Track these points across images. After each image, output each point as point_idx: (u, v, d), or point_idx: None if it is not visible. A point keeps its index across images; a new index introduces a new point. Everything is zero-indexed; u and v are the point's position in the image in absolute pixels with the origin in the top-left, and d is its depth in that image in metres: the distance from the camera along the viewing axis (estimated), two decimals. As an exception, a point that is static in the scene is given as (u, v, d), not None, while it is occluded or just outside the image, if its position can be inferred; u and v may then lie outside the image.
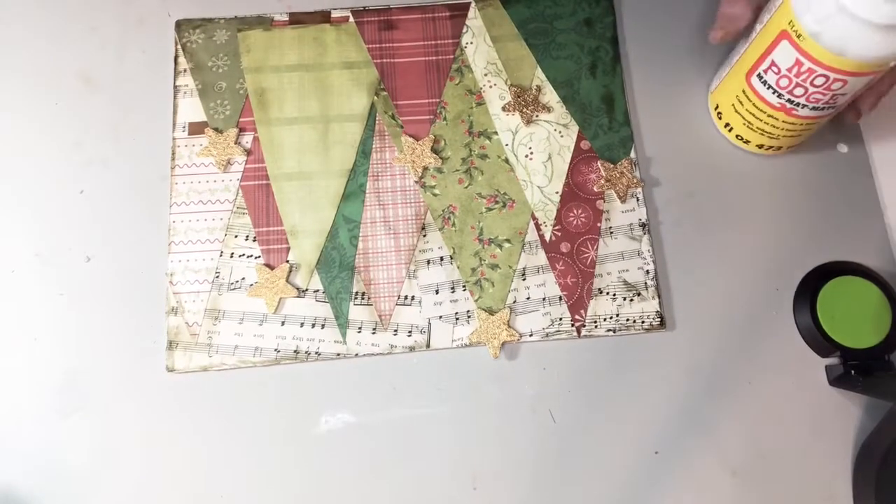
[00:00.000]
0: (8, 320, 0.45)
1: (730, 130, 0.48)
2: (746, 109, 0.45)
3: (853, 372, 0.43)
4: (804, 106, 0.42)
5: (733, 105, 0.46)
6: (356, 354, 0.44)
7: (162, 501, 0.42)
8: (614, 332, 0.45)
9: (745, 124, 0.46)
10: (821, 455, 0.43)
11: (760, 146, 0.47)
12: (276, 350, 0.44)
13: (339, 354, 0.44)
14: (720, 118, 0.48)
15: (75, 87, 0.50)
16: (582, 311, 0.45)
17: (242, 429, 0.43)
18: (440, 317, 0.45)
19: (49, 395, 0.44)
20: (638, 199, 0.47)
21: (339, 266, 0.46)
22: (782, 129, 0.44)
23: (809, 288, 0.45)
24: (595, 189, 0.47)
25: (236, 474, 0.42)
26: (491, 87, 0.49)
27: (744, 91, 0.44)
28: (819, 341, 0.44)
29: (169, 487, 0.42)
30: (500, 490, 0.42)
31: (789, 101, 0.42)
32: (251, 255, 0.46)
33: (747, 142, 0.47)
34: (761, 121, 0.45)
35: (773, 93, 0.42)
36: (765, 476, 0.42)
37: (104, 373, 0.44)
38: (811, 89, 0.40)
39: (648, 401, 0.44)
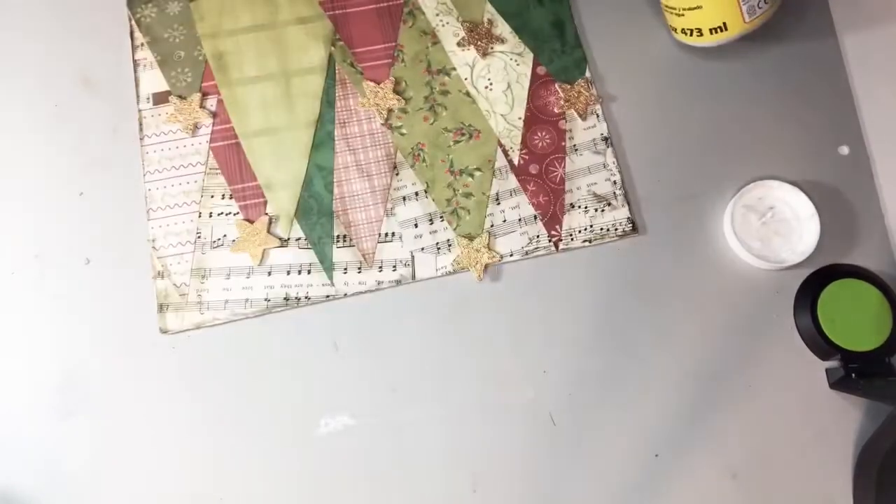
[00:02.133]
0: (8, 321, 0.45)
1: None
2: None
3: (854, 375, 0.43)
4: None
5: None
6: (345, 294, 0.45)
7: (160, 503, 0.42)
8: (590, 242, 0.46)
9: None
10: (821, 457, 0.43)
11: (681, 30, 0.48)
12: (266, 300, 0.45)
13: (328, 296, 0.45)
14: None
15: (75, 90, 0.49)
16: (557, 227, 0.47)
17: (243, 432, 0.43)
18: (422, 249, 0.46)
19: (48, 396, 0.44)
20: (598, 116, 0.49)
21: (317, 213, 0.47)
22: None
23: (810, 291, 0.45)
24: (556, 111, 0.49)
25: (236, 477, 0.43)
26: (444, 25, 0.50)
27: None
28: (819, 344, 0.44)
29: (168, 489, 0.42)
30: (499, 492, 0.43)
31: None
32: (230, 213, 0.47)
33: (674, 29, 0.48)
34: None
35: None
36: (765, 478, 0.43)
37: (104, 374, 0.44)
38: None
39: (648, 403, 0.44)
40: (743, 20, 0.47)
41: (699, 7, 0.46)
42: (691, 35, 0.48)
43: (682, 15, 0.47)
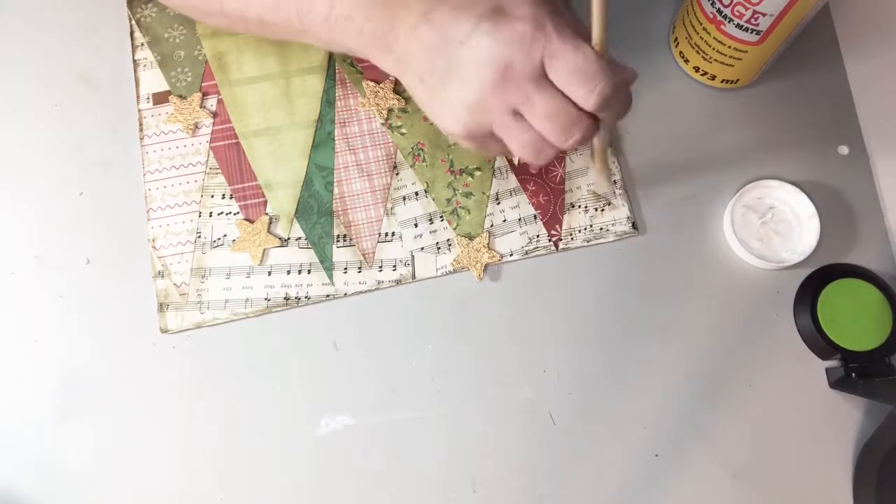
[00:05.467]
0: (8, 322, 0.45)
1: (677, 45, 0.50)
2: (689, 21, 0.47)
3: (854, 374, 0.43)
4: (730, 20, 0.43)
5: (682, 17, 0.48)
6: (345, 294, 0.45)
7: (160, 503, 0.42)
8: (589, 241, 0.46)
9: (686, 38, 0.48)
10: (821, 457, 0.43)
11: (697, 69, 0.49)
12: (266, 299, 0.45)
13: (328, 296, 0.45)
14: (673, 33, 0.50)
15: (75, 89, 0.49)
16: (557, 226, 0.47)
17: (243, 431, 0.43)
18: (422, 248, 0.46)
19: (49, 397, 0.44)
20: (598, 115, 0.49)
21: (317, 213, 0.47)
22: (714, 50, 0.46)
23: (810, 290, 0.45)
24: (556, 110, 0.49)
25: (236, 477, 0.43)
26: (444, 25, 0.50)
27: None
28: (819, 343, 0.44)
29: (168, 489, 0.42)
30: (499, 492, 0.43)
31: (719, 10, 0.43)
32: (230, 213, 0.47)
33: (687, 60, 0.49)
34: (698, 34, 0.46)
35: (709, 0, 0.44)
36: (765, 478, 0.43)
37: (104, 374, 0.44)
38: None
39: (648, 403, 0.44)
40: (753, 77, 0.49)
41: (730, 65, 0.47)
42: (703, 76, 0.49)
43: (709, 61, 0.47)
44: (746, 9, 0.41)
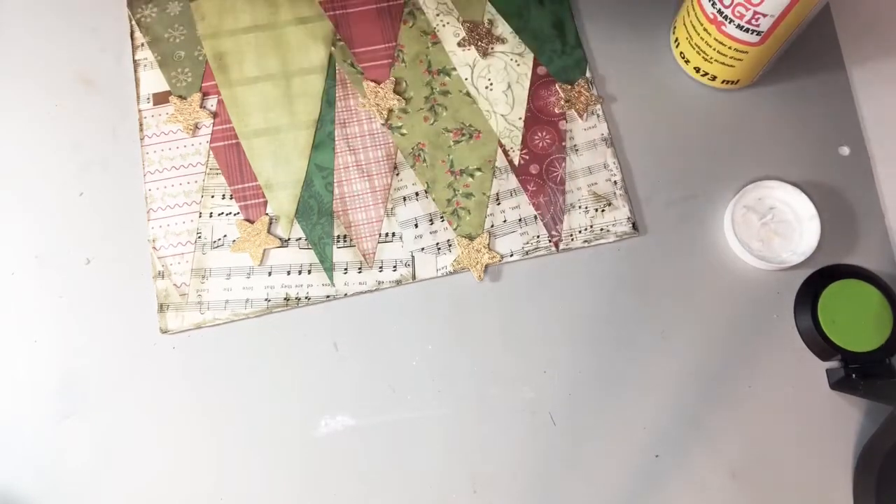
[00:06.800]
0: (8, 322, 0.45)
1: (677, 45, 0.50)
2: (690, 21, 0.47)
3: (854, 375, 0.43)
4: (731, 21, 0.43)
5: (683, 17, 0.48)
6: (345, 294, 0.45)
7: (160, 503, 0.42)
8: (589, 242, 0.46)
9: (686, 38, 0.48)
10: (821, 458, 0.43)
11: (697, 69, 0.49)
12: (266, 300, 0.45)
13: (328, 296, 0.45)
14: (674, 34, 0.50)
15: (75, 89, 0.49)
16: (557, 227, 0.47)
17: (243, 432, 0.43)
18: (422, 249, 0.46)
19: (49, 396, 0.44)
20: (598, 116, 0.49)
21: (317, 213, 0.47)
22: (715, 50, 0.46)
23: (810, 291, 0.45)
24: (556, 111, 0.49)
25: (236, 477, 0.43)
26: (444, 25, 0.50)
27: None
28: (820, 344, 0.44)
29: (168, 489, 0.42)
30: (499, 492, 0.43)
31: (720, 11, 0.43)
32: (230, 213, 0.47)
33: (688, 61, 0.49)
34: (699, 34, 0.46)
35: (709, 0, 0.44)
36: (765, 479, 0.43)
37: (104, 374, 0.44)
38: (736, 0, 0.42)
39: (648, 403, 0.44)
40: (754, 78, 0.49)
41: (731, 66, 0.46)
42: (704, 76, 0.49)
43: (710, 62, 0.47)
44: (747, 9, 0.41)
